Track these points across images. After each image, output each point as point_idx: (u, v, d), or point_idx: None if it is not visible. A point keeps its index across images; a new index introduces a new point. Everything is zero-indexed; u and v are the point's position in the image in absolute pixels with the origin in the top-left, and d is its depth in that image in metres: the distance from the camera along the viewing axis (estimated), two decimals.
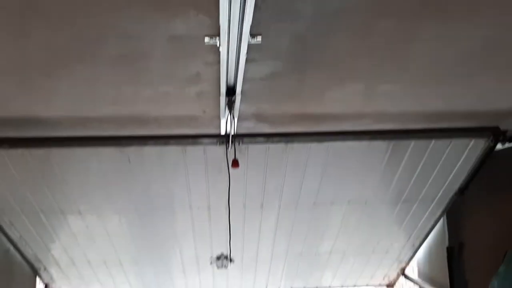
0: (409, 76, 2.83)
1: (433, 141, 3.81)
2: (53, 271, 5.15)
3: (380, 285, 6.08)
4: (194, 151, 3.74)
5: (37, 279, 5.34)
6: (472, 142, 3.85)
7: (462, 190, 4.26)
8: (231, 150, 3.56)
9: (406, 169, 4.06)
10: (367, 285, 6.08)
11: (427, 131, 3.71)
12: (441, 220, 4.75)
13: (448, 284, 4.43)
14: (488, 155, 3.88)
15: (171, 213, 4.40)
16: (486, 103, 3.26)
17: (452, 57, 2.60)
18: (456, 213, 4.48)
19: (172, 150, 3.71)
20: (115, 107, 3.05)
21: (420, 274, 5.49)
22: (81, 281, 5.35)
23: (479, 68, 2.76)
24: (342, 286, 6.04)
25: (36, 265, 5.02)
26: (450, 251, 4.44)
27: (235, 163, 3.46)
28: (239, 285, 5.88)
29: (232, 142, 3.51)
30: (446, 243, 4.58)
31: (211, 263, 5.20)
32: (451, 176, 4.15)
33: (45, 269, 5.09)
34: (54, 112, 3.09)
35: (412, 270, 5.80)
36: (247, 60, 2.42)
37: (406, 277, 5.60)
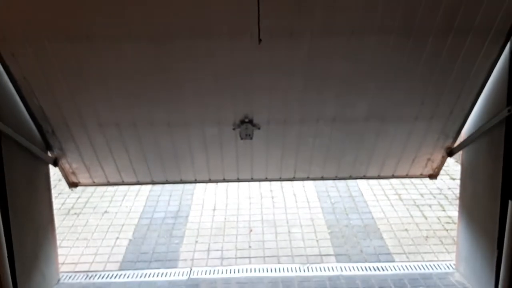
0: None
1: None
2: (62, 136, 4.71)
3: (421, 175, 5.47)
4: None
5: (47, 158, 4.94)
6: None
7: None
8: None
9: None
10: (406, 175, 5.47)
11: None
12: (499, 64, 4.13)
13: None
14: None
15: (189, 38, 3.89)
16: None
17: None
18: None
19: None
20: None
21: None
22: (92, 153, 4.91)
23: None
24: (378, 176, 5.45)
25: (44, 126, 4.59)
26: None
27: None
28: (264, 170, 5.36)
29: None
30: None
31: (234, 128, 4.68)
32: None
33: (53, 132, 4.65)
34: None
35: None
36: None
37: (453, 154, 4.96)
